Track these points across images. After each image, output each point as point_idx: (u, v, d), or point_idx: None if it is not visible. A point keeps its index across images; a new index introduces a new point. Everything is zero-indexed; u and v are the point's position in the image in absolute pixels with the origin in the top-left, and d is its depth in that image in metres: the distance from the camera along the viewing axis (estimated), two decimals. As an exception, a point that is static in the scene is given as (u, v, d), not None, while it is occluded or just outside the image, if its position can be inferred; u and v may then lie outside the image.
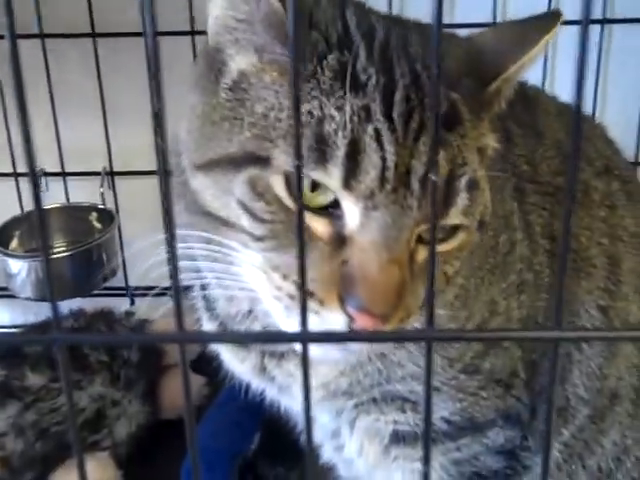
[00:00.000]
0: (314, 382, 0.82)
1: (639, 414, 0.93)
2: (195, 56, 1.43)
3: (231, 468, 1.21)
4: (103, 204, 1.53)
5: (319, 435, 1.00)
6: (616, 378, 0.91)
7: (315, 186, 0.61)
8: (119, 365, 1.37)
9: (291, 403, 0.94)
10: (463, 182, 0.63)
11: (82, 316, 1.46)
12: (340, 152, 0.59)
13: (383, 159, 0.59)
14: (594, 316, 0.89)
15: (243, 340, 0.78)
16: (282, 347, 0.82)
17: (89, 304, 1.51)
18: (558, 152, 0.91)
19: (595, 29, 1.38)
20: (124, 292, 1.63)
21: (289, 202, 0.62)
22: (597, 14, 1.38)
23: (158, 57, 0.41)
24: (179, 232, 0.64)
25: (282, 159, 0.61)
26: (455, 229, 0.66)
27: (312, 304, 0.60)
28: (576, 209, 0.90)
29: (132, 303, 1.64)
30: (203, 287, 0.85)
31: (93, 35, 1.45)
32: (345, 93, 0.60)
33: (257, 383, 0.90)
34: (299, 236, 0.45)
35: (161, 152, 0.41)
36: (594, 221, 0.91)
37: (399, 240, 0.61)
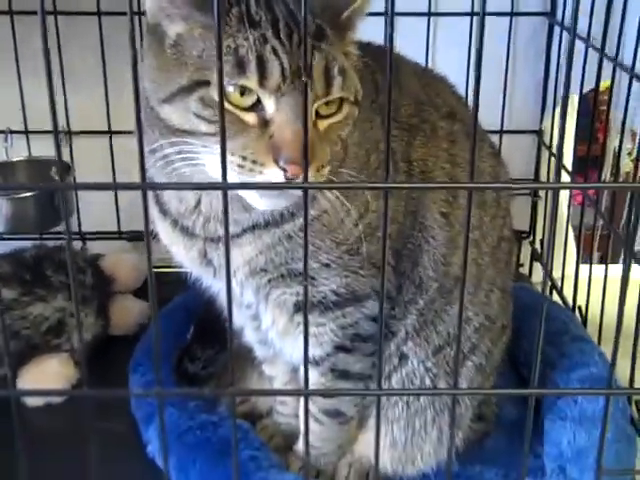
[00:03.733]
0: (241, 260, 1.12)
1: (477, 294, 1.25)
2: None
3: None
4: (61, 158, 1.80)
5: (241, 319, 1.29)
6: (458, 266, 1.21)
7: (242, 93, 0.92)
8: (77, 285, 1.65)
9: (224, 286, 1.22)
10: (335, 69, 0.94)
11: (44, 247, 1.73)
12: (253, 63, 0.91)
13: (281, 64, 0.91)
14: (437, 219, 1.20)
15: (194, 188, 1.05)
16: (220, 233, 1.10)
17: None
18: (412, 100, 1.23)
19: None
20: (76, 236, 1.91)
21: (227, 105, 0.92)
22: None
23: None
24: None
25: (216, 79, 0.91)
26: (340, 104, 0.97)
27: (257, 168, 0.91)
28: (425, 141, 1.22)
29: (84, 245, 1.92)
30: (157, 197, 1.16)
31: (55, 13, 1.73)
32: (246, 30, 0.92)
33: (198, 270, 1.18)
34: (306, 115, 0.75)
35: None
36: (439, 151, 1.22)
37: (302, 112, 0.90)
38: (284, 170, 0.90)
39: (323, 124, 0.96)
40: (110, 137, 1.85)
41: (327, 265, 1.13)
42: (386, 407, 1.27)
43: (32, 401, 1.51)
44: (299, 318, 1.20)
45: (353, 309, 1.17)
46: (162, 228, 1.16)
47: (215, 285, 1.24)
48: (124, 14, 1.72)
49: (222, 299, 1.29)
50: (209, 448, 1.32)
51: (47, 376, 1.55)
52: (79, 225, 1.90)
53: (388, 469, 1.31)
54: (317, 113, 0.96)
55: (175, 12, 0.96)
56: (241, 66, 0.91)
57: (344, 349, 1.21)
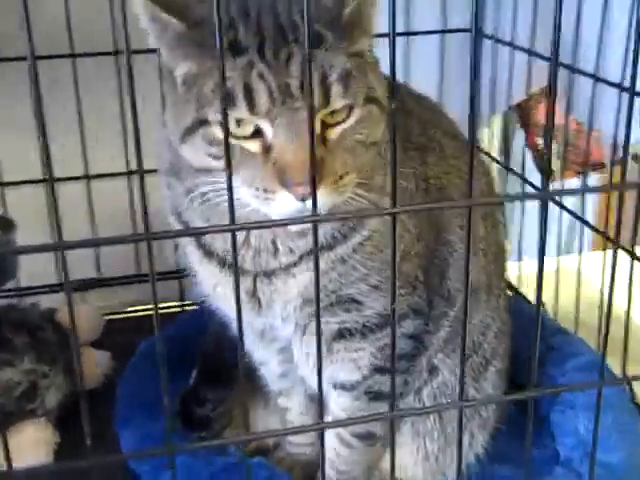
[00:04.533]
0: (295, 292, 1.11)
1: (491, 301, 1.30)
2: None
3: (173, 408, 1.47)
4: (-3, 213, 1.70)
5: (266, 354, 1.29)
6: (475, 276, 1.26)
7: (239, 123, 0.91)
8: (41, 345, 1.56)
9: (265, 320, 1.18)
10: (333, 77, 0.91)
11: (-9, 309, 1.62)
12: (240, 93, 0.90)
13: (268, 87, 0.89)
14: (458, 232, 1.23)
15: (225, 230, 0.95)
16: (272, 265, 1.09)
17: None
18: (418, 120, 1.26)
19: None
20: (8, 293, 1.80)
21: (230, 138, 0.88)
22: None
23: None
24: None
25: (212, 116, 0.92)
26: (350, 109, 0.93)
27: (270, 196, 0.91)
28: (437, 160, 1.25)
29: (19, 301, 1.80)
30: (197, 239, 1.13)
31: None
32: (234, 59, 0.90)
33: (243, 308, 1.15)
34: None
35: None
36: (449, 168, 1.26)
37: (301, 129, 0.88)
38: (293, 193, 0.89)
39: (334, 132, 0.94)
40: (52, 185, 1.75)
41: (376, 287, 1.13)
42: (418, 421, 1.30)
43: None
44: (338, 345, 1.19)
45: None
46: (206, 270, 1.14)
47: (256, 323, 1.21)
48: (55, 57, 1.66)
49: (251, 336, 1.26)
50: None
51: (27, 444, 1.45)
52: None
53: (420, 481, 1.33)
54: (324, 123, 0.93)
55: (175, 54, 0.96)
56: (230, 99, 0.90)
57: (381, 370, 1.21)
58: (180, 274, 1.86)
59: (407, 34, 1.76)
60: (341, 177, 0.93)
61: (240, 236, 1.09)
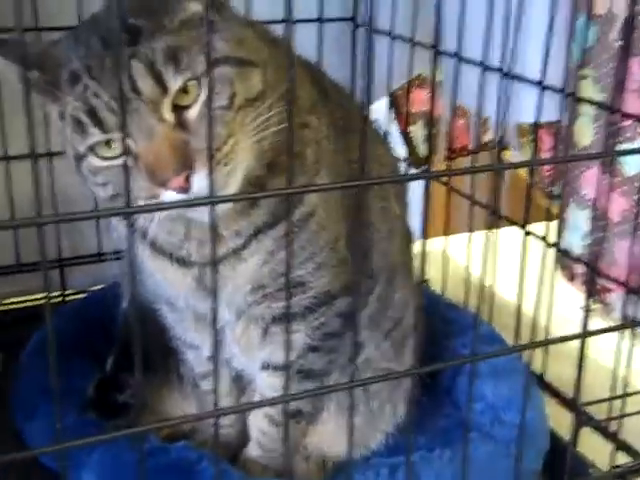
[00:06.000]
0: (246, 277, 1.12)
1: (408, 278, 1.36)
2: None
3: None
4: None
5: (198, 338, 1.29)
6: (396, 255, 1.32)
7: (108, 145, 0.94)
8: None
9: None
10: (160, 62, 0.90)
11: None
12: (87, 118, 0.93)
13: (105, 101, 0.91)
14: (379, 214, 1.27)
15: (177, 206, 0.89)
16: (219, 253, 1.08)
17: None
18: (337, 103, 1.27)
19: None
20: None
21: (104, 162, 0.95)
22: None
23: None
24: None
25: (83, 148, 0.95)
26: (198, 83, 0.92)
27: (159, 200, 0.93)
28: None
29: None
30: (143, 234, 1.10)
31: None
32: (72, 90, 0.94)
33: (192, 296, 1.16)
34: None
35: None
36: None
37: (150, 129, 0.90)
38: (172, 189, 0.91)
39: (191, 112, 0.93)
40: None
41: (320, 266, 1.16)
42: (344, 397, 1.33)
43: None
44: (276, 329, 1.21)
45: (326, 308, 1.20)
46: (157, 264, 1.15)
47: (201, 308, 1.21)
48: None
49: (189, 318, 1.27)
50: (173, 471, 1.28)
51: None
52: None
53: (344, 455, 1.37)
54: (177, 107, 0.92)
55: (44, 101, 0.99)
56: (83, 129, 0.94)
57: (314, 349, 1.24)
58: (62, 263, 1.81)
59: (285, 22, 1.76)
60: (218, 149, 0.93)
61: (182, 228, 1.10)
